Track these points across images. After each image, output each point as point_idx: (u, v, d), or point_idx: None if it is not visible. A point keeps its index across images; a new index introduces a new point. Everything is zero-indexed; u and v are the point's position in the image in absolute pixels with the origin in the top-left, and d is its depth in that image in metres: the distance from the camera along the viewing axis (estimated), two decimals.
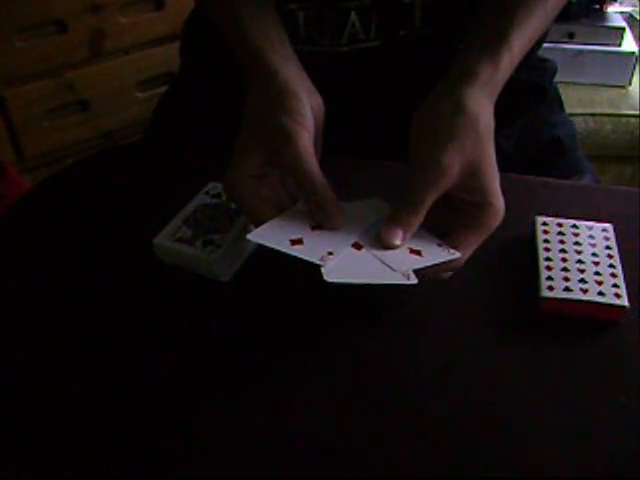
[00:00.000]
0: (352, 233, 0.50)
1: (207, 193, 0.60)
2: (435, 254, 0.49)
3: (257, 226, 0.51)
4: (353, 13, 0.66)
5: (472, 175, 0.48)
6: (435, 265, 0.48)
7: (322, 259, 0.47)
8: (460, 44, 0.70)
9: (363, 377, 0.48)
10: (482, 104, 0.51)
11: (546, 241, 0.56)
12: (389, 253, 0.49)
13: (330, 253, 0.48)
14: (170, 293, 0.55)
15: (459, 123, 0.49)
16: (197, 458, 0.43)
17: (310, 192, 0.49)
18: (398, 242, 0.49)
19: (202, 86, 0.80)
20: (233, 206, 0.58)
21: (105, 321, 0.52)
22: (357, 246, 0.49)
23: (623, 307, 0.51)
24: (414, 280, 0.47)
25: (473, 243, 0.50)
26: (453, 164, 0.47)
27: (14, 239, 0.61)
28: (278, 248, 0.48)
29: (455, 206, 0.50)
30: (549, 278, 0.53)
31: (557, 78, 0.81)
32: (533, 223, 0.58)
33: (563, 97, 0.82)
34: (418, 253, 0.49)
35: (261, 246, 0.57)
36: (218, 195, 0.59)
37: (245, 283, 0.55)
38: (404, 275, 0.47)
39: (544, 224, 0.58)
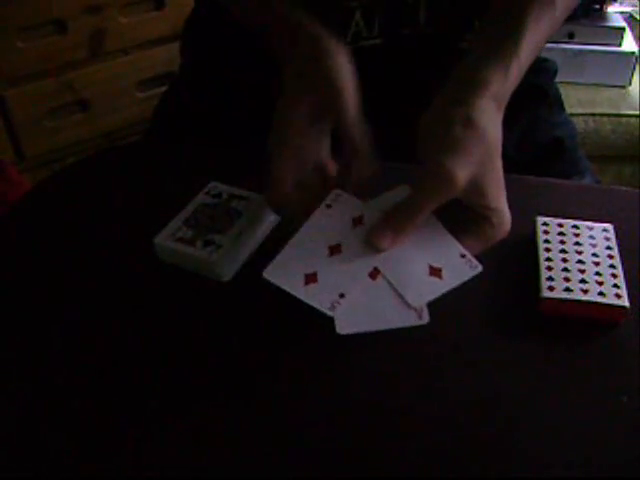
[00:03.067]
0: (371, 255, 0.48)
1: (207, 193, 0.60)
2: (456, 272, 0.47)
3: (271, 197, 0.52)
4: (358, 12, 0.66)
5: (478, 189, 0.48)
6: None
7: (332, 306, 0.46)
8: (464, 43, 0.70)
9: (362, 376, 0.48)
10: (491, 116, 0.50)
11: (546, 241, 0.56)
12: (407, 277, 0.48)
13: (342, 295, 0.47)
14: (170, 293, 0.55)
15: (469, 136, 0.48)
16: (197, 458, 0.43)
17: (349, 140, 0.51)
18: (385, 246, 0.48)
19: (202, 86, 0.80)
20: (234, 205, 0.58)
21: (105, 321, 0.52)
22: (374, 273, 0.48)
23: (624, 307, 0.51)
24: (426, 319, 0.46)
25: (474, 249, 0.49)
26: (461, 177, 0.46)
27: (14, 239, 0.61)
28: (290, 291, 0.47)
29: (460, 210, 0.50)
30: (549, 278, 0.53)
31: (557, 78, 0.81)
32: (534, 223, 0.58)
33: (563, 97, 0.82)
34: (438, 273, 0.48)
35: (262, 246, 0.57)
36: (218, 195, 0.59)
37: (245, 283, 0.55)
38: (417, 313, 0.46)
39: (544, 224, 0.58)
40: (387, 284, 0.48)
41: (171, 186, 0.64)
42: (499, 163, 0.50)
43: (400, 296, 0.47)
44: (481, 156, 0.48)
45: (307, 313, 0.52)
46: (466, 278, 0.47)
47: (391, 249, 0.48)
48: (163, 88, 0.89)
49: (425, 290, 0.47)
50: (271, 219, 0.59)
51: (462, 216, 0.50)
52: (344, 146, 0.52)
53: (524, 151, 0.75)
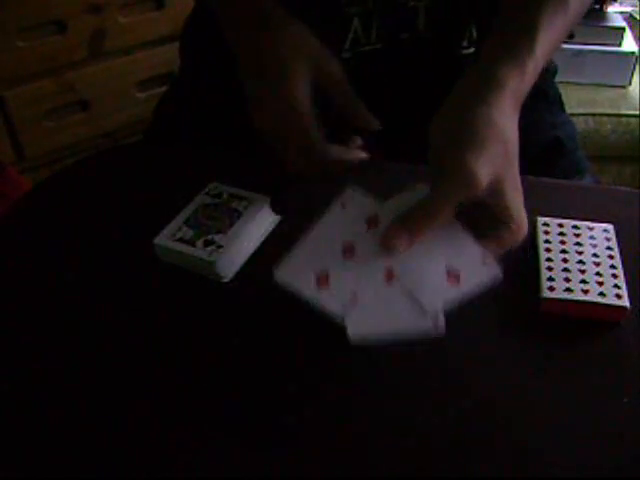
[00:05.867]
0: (386, 257, 0.46)
1: (208, 193, 0.60)
2: (475, 278, 0.45)
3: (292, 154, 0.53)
4: (356, 19, 0.66)
5: (498, 190, 0.46)
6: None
7: (345, 308, 0.45)
8: (462, 49, 0.69)
9: (363, 376, 0.48)
10: (509, 116, 0.49)
11: (547, 241, 0.56)
12: (423, 283, 0.45)
13: (354, 300, 0.45)
14: (170, 293, 0.55)
15: (491, 135, 0.47)
16: (197, 458, 0.43)
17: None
18: (401, 248, 0.45)
19: (202, 86, 0.80)
20: (234, 205, 0.58)
21: (105, 321, 0.52)
22: (388, 276, 0.46)
23: (624, 308, 0.51)
24: (442, 330, 0.44)
25: (492, 254, 0.47)
26: (484, 175, 0.45)
27: (14, 239, 0.61)
28: (301, 294, 0.45)
29: (478, 215, 0.48)
30: (550, 278, 0.53)
31: (557, 78, 0.81)
32: (534, 223, 0.58)
33: (563, 97, 0.82)
34: (456, 279, 0.45)
35: (262, 246, 0.57)
36: (219, 195, 0.59)
37: (245, 283, 0.55)
38: (433, 323, 0.44)
39: (545, 224, 0.58)
40: (402, 289, 0.46)
41: (171, 186, 0.64)
42: (517, 165, 0.48)
43: (416, 303, 0.45)
44: (502, 156, 0.47)
45: (308, 313, 0.53)
46: (485, 285, 0.45)
47: (407, 250, 0.46)
48: (163, 88, 0.89)
49: (442, 297, 0.45)
50: (271, 219, 0.59)
51: (479, 220, 0.48)
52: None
53: (524, 151, 0.75)
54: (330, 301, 0.45)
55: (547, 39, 0.53)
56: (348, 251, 0.47)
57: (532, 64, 0.51)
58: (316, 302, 0.45)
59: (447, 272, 0.46)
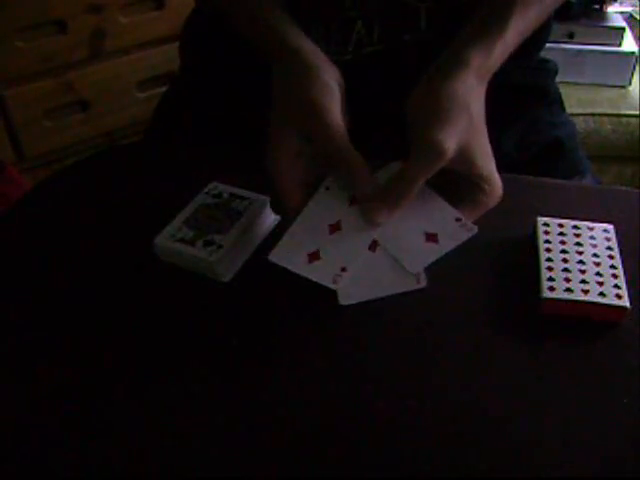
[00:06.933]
0: (369, 229, 0.50)
1: (208, 193, 0.60)
2: (452, 236, 0.49)
3: (284, 209, 0.52)
4: (359, 22, 0.66)
5: (467, 158, 0.49)
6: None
7: (334, 280, 0.49)
8: None
9: (363, 376, 0.48)
10: (472, 88, 0.52)
11: (547, 242, 0.56)
12: (404, 246, 0.50)
13: (343, 269, 0.49)
14: (170, 293, 0.55)
15: (453, 107, 0.50)
16: (197, 458, 0.43)
17: (340, 161, 0.51)
18: (382, 220, 0.50)
19: (202, 86, 0.80)
20: (234, 206, 0.58)
21: (105, 321, 0.52)
22: (373, 246, 0.50)
23: (624, 308, 0.51)
24: (423, 283, 0.49)
25: (471, 216, 0.51)
26: (449, 146, 0.48)
27: (14, 238, 0.61)
28: (295, 270, 0.49)
29: (452, 179, 0.51)
30: (550, 279, 0.52)
31: (557, 78, 0.81)
32: (534, 223, 0.58)
33: (563, 97, 0.82)
34: (434, 238, 0.50)
35: (262, 246, 0.57)
36: (219, 195, 0.59)
37: (245, 283, 0.55)
38: (415, 278, 0.49)
39: (545, 225, 0.58)
40: (386, 254, 0.50)
41: (171, 186, 0.64)
42: (484, 133, 0.51)
43: (399, 263, 0.49)
44: (466, 126, 0.50)
45: (308, 313, 0.53)
46: (462, 240, 0.49)
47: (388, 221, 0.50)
48: (163, 88, 0.89)
49: (422, 256, 0.49)
50: (271, 219, 0.59)
51: (457, 187, 0.51)
52: (339, 169, 0.52)
53: (524, 151, 0.75)
54: (321, 273, 0.49)
55: (519, 24, 0.56)
56: (334, 228, 0.51)
57: (500, 45, 0.54)
58: (308, 275, 0.49)
59: (425, 234, 0.50)
